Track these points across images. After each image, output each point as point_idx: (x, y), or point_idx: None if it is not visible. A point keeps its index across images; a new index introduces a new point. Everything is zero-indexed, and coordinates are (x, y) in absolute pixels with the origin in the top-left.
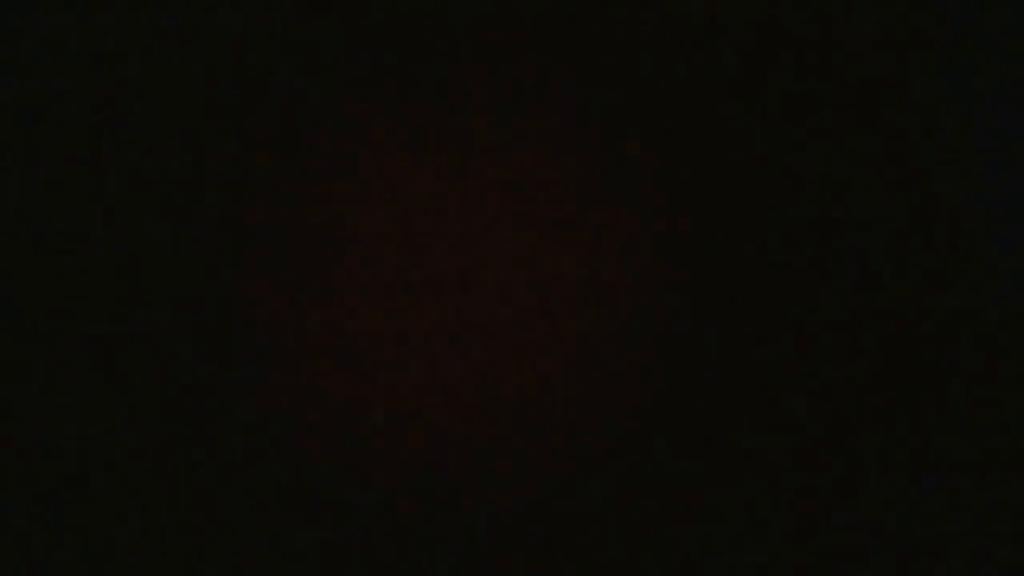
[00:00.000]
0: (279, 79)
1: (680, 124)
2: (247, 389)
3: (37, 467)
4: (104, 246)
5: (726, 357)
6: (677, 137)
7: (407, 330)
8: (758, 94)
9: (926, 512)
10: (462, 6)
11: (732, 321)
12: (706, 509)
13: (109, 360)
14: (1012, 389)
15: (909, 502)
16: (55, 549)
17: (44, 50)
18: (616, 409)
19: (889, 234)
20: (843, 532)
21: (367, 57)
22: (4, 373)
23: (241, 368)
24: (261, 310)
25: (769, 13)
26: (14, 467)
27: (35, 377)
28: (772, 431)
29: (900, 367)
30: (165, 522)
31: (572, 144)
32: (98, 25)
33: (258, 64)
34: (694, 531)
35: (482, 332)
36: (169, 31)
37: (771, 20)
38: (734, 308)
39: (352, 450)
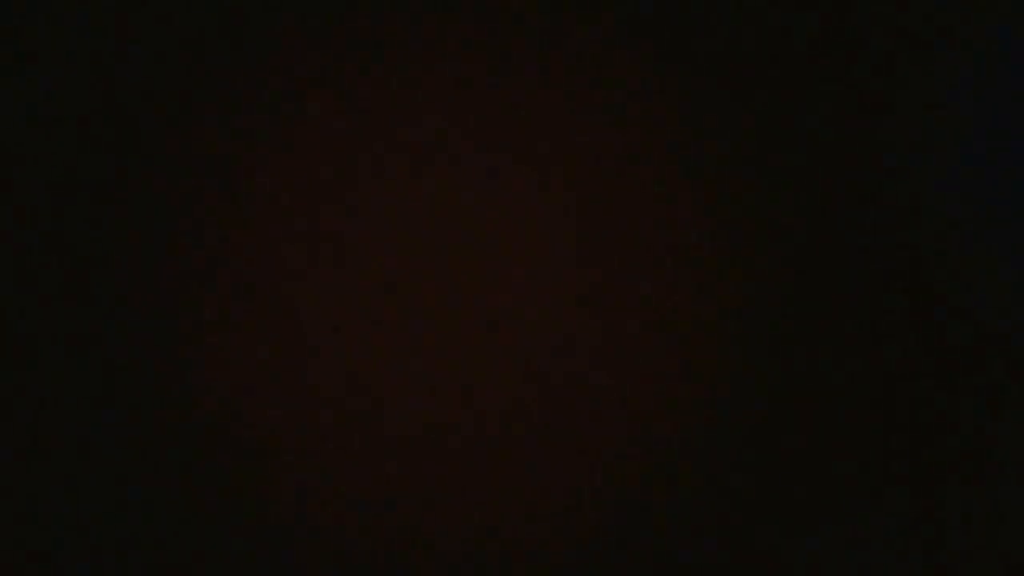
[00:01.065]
0: (274, 76)
1: (697, 127)
2: (245, 390)
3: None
4: (89, 242)
5: (743, 360)
6: (697, 139)
7: (411, 331)
8: (771, 95)
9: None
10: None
11: (749, 324)
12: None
13: (96, 357)
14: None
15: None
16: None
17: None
18: (625, 413)
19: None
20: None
21: (373, 49)
22: None
23: (239, 369)
24: (261, 309)
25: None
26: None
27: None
28: (783, 432)
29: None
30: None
31: (586, 145)
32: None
33: (255, 59)
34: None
35: (489, 334)
36: (167, 24)
37: (792, 24)
38: (751, 311)
39: (352, 451)
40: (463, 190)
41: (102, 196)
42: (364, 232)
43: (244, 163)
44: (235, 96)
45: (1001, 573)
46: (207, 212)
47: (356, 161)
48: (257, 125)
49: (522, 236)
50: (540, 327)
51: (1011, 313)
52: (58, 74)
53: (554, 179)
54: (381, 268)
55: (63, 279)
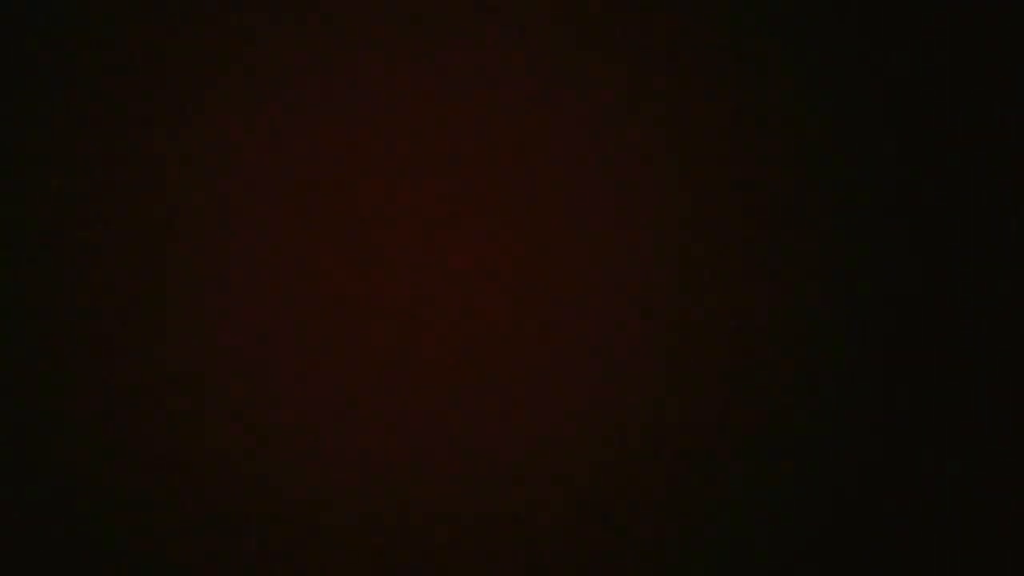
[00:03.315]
0: (263, 78)
1: (691, 122)
2: (243, 389)
3: None
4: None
5: (734, 362)
6: (688, 136)
7: (405, 330)
8: (773, 93)
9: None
10: None
11: (740, 328)
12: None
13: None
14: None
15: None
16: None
17: None
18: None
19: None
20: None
21: (370, 47)
22: None
23: (238, 366)
24: (262, 308)
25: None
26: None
27: None
28: (783, 432)
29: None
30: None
31: (577, 140)
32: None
33: (248, 58)
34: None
35: (480, 334)
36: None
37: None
38: (742, 314)
39: (343, 451)
40: (460, 192)
41: (98, 192)
42: (359, 234)
43: (243, 164)
44: (230, 95)
45: None
46: (206, 213)
47: (353, 165)
48: (256, 125)
49: (521, 236)
50: (548, 330)
51: None
52: (47, 69)
53: (562, 178)
54: (376, 267)
55: (60, 277)
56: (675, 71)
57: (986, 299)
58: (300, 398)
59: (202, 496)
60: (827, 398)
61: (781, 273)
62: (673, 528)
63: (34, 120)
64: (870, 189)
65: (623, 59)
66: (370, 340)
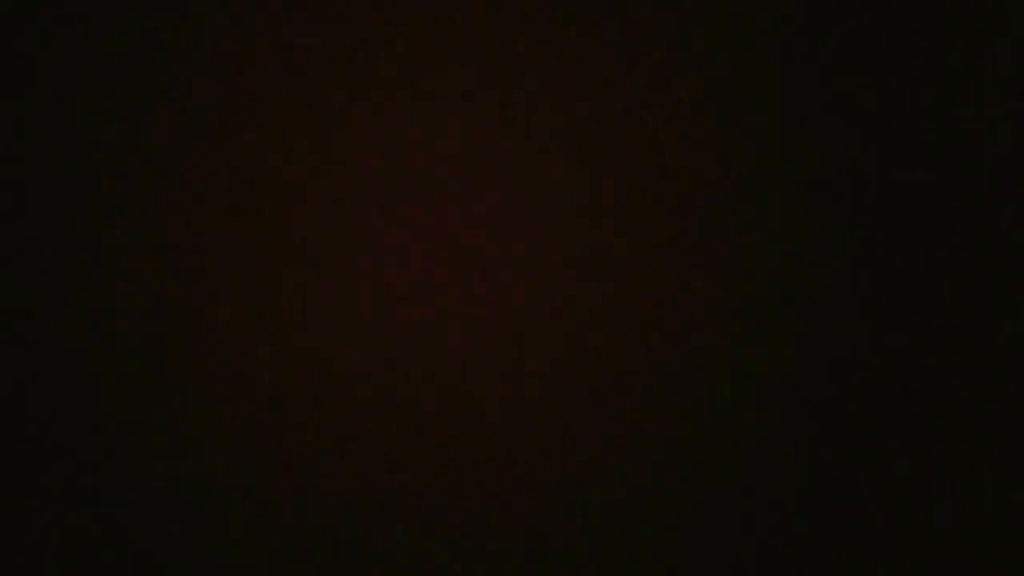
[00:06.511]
0: (268, 74)
1: (682, 126)
2: (241, 383)
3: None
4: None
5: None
6: (677, 139)
7: (401, 332)
8: (763, 96)
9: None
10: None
11: (723, 329)
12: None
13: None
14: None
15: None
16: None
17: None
18: (601, 418)
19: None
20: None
21: (366, 48)
22: None
23: (233, 363)
24: (259, 303)
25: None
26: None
27: None
28: (771, 434)
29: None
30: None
31: (570, 141)
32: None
33: (245, 57)
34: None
35: (476, 338)
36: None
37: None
38: (726, 317)
39: (337, 449)
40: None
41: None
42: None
43: (245, 155)
44: (234, 90)
45: None
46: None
47: (350, 153)
48: (257, 120)
49: (521, 226)
50: (541, 324)
51: None
52: (53, 60)
53: (559, 168)
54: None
55: (65, 270)
56: (675, 70)
57: (979, 301)
58: (303, 394)
59: (200, 496)
60: (826, 396)
61: (782, 270)
62: (672, 528)
63: (38, 120)
64: (867, 189)
65: (623, 57)
66: (369, 339)
